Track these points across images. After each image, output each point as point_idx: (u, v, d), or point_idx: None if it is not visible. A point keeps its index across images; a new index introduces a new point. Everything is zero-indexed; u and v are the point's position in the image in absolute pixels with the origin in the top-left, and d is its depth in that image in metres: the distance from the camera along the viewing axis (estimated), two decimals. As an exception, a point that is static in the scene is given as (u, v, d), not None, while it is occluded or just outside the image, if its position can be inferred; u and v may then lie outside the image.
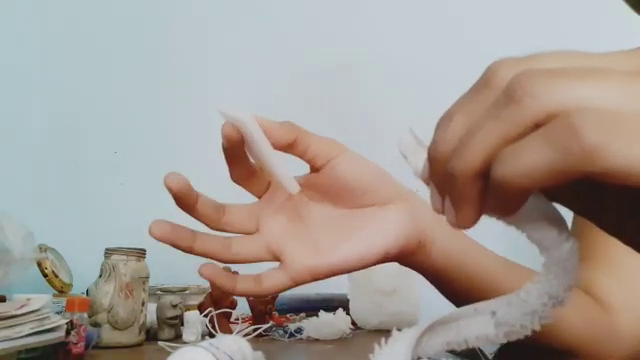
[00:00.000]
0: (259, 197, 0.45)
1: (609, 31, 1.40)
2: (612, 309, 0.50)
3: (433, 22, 1.54)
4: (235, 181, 0.45)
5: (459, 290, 0.46)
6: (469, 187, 0.19)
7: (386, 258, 0.43)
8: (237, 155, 0.42)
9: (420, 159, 0.24)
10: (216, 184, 1.55)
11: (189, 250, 0.44)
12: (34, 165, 1.36)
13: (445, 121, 0.21)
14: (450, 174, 0.19)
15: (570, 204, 0.23)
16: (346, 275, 1.11)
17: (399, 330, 0.26)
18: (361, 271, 1.14)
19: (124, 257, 0.84)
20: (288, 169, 0.41)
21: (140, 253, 0.86)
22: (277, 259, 0.43)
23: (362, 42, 1.49)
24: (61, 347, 0.67)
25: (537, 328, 0.23)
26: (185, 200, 0.46)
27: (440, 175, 0.21)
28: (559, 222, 0.22)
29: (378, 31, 1.51)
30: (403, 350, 0.24)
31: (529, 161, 0.17)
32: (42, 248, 1.06)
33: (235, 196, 1.48)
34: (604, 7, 1.47)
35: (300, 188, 0.41)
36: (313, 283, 1.36)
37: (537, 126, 0.17)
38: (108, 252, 0.85)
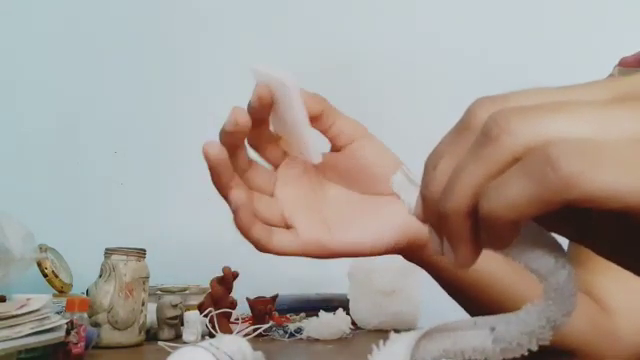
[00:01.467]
0: (275, 167, 0.44)
1: (601, 34, 1.40)
2: (612, 311, 0.50)
3: (433, 22, 1.54)
4: (253, 146, 0.44)
5: (462, 289, 0.46)
6: (461, 226, 0.20)
7: (394, 249, 0.43)
8: (261, 119, 0.41)
9: (413, 197, 0.24)
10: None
11: (226, 183, 0.43)
12: (34, 165, 1.36)
13: (432, 163, 0.22)
14: (443, 215, 0.20)
15: (564, 232, 0.23)
16: (346, 275, 1.12)
17: (397, 332, 0.26)
18: (361, 271, 1.15)
19: (124, 257, 0.84)
20: (315, 139, 0.40)
21: (140, 253, 0.86)
22: (288, 227, 0.43)
23: (362, 42, 1.49)
24: (61, 347, 0.67)
25: (534, 348, 0.23)
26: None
27: (434, 216, 0.21)
28: (555, 250, 0.22)
29: (378, 31, 1.51)
30: (402, 352, 0.24)
31: (511, 194, 0.18)
32: (42, 248, 1.06)
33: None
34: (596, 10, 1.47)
35: (321, 159, 0.40)
36: (313, 283, 1.36)
37: (516, 160, 0.18)
38: (108, 252, 0.85)
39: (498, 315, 0.25)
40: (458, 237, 0.20)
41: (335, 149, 0.43)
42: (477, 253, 0.21)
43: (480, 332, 0.25)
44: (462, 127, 0.21)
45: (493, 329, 0.24)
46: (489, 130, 0.19)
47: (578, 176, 0.16)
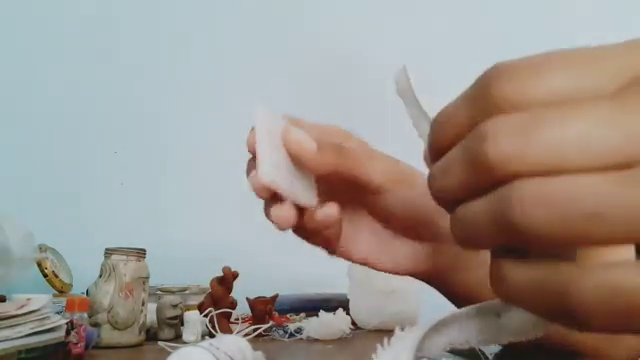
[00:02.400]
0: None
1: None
2: None
3: (433, 23, 1.54)
4: None
5: None
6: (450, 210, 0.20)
7: (412, 276, 0.44)
8: None
9: (423, 127, 0.25)
10: (216, 183, 1.56)
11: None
12: (34, 165, 1.36)
13: (443, 118, 0.21)
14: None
15: None
16: (346, 275, 1.12)
17: (401, 329, 0.26)
18: (361, 271, 1.15)
19: (124, 257, 0.84)
20: (304, 180, 0.34)
21: (140, 253, 0.86)
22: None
23: (362, 42, 1.49)
24: (61, 347, 0.67)
25: (540, 334, 0.23)
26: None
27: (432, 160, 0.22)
28: None
29: (379, 32, 1.51)
30: (406, 349, 0.24)
31: (473, 230, 0.19)
32: (42, 248, 1.06)
33: (236, 195, 1.49)
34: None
35: (315, 202, 0.34)
36: (313, 283, 1.36)
37: (497, 183, 0.18)
38: (108, 252, 0.85)
39: (502, 302, 0.25)
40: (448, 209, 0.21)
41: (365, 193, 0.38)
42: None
43: (485, 319, 0.25)
44: (476, 96, 0.19)
45: (498, 315, 0.24)
46: (480, 151, 0.18)
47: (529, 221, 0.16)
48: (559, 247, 0.16)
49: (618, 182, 0.15)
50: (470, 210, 0.18)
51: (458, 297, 0.43)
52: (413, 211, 0.38)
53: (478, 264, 0.41)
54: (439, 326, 0.26)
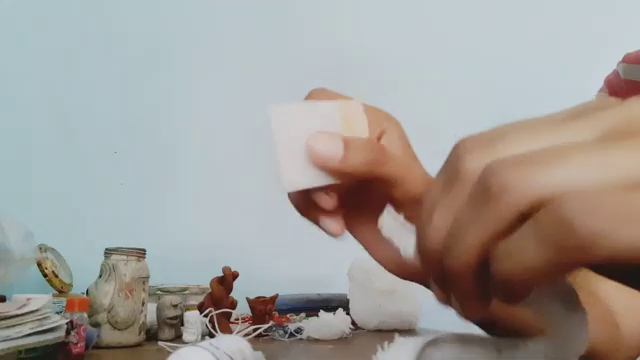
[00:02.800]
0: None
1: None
2: (614, 313, 0.50)
3: (433, 24, 1.54)
4: None
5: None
6: (468, 283, 0.19)
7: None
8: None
9: (407, 242, 0.24)
10: (216, 184, 1.55)
11: None
12: (34, 165, 1.36)
13: (426, 215, 0.21)
14: (447, 271, 0.20)
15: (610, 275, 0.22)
16: (346, 275, 1.12)
17: (400, 335, 0.26)
18: (361, 271, 1.15)
19: (124, 257, 0.84)
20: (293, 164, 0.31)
21: (140, 253, 0.86)
22: None
23: (363, 43, 1.49)
24: (61, 347, 0.67)
25: None
26: None
27: (436, 272, 0.21)
28: (566, 294, 0.22)
29: (379, 32, 1.51)
30: (407, 357, 0.24)
31: (527, 258, 0.17)
32: (42, 248, 1.06)
33: (236, 195, 1.48)
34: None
35: (293, 189, 0.31)
36: (313, 283, 1.35)
37: (523, 216, 0.17)
38: (108, 252, 0.85)
39: (507, 338, 0.25)
40: (466, 294, 0.20)
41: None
42: (486, 306, 0.20)
43: (486, 350, 0.25)
44: (452, 176, 0.20)
45: (500, 351, 0.24)
46: (488, 187, 0.18)
47: (599, 237, 0.15)
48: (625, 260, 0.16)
49: None
50: (518, 242, 0.17)
51: None
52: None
53: None
54: (439, 341, 0.26)
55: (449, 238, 0.19)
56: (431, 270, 0.21)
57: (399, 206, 0.32)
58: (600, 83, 0.70)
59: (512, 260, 0.17)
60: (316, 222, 0.33)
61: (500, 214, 0.18)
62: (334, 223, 0.33)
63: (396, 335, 0.26)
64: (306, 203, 0.32)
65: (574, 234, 0.16)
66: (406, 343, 0.25)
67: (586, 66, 1.07)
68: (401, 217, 0.27)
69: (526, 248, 0.17)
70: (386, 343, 0.25)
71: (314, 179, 0.29)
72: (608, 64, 0.68)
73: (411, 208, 0.32)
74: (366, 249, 0.37)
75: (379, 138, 0.34)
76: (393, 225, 0.27)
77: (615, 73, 0.69)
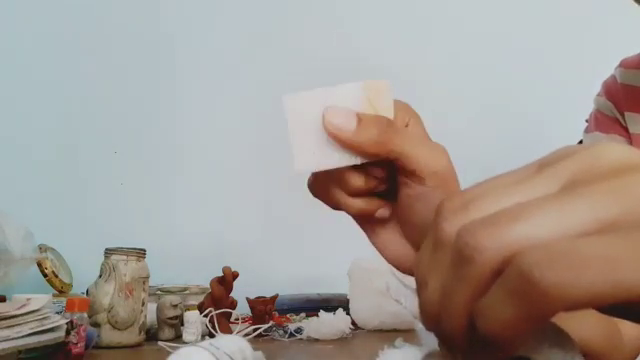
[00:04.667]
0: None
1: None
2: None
3: (433, 25, 1.54)
4: None
5: None
6: (465, 343, 0.20)
7: None
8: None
9: (412, 302, 0.25)
10: (216, 184, 1.55)
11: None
12: (34, 165, 1.36)
13: (422, 281, 0.22)
14: (445, 335, 0.21)
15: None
16: (346, 275, 1.12)
17: (400, 335, 0.26)
18: (361, 271, 1.14)
19: (124, 257, 0.84)
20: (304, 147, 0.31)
21: (140, 253, 0.86)
22: None
23: (363, 43, 1.49)
24: (61, 347, 0.67)
25: None
26: None
27: (437, 333, 0.22)
28: (563, 342, 0.22)
29: (379, 33, 1.51)
30: (413, 355, 0.24)
31: (501, 315, 0.18)
32: (42, 248, 1.06)
33: (236, 195, 1.48)
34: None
35: (303, 169, 0.32)
36: (313, 283, 1.35)
37: (496, 273, 0.18)
38: (108, 252, 0.85)
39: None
40: (464, 351, 0.21)
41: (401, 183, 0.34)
42: (491, 357, 0.21)
43: None
44: (436, 243, 0.21)
45: None
46: (461, 250, 0.19)
47: (560, 287, 0.16)
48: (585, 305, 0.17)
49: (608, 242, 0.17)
50: (490, 300, 0.18)
51: None
52: None
53: None
54: (439, 357, 0.26)
55: (441, 304, 0.21)
56: (434, 330, 0.22)
57: (418, 181, 0.33)
58: (598, 87, 0.70)
59: (487, 317, 0.18)
60: (338, 205, 0.34)
61: (476, 274, 0.19)
62: (360, 202, 0.33)
63: (398, 340, 0.26)
64: (328, 185, 0.33)
65: (536, 287, 0.16)
66: (410, 347, 0.25)
67: (585, 70, 1.07)
68: (407, 279, 0.27)
69: (497, 305, 0.18)
70: (385, 347, 0.25)
71: (326, 160, 0.30)
72: (607, 67, 0.69)
73: (431, 181, 0.33)
74: (379, 249, 0.37)
75: (406, 126, 0.34)
76: (398, 287, 0.27)
77: (613, 77, 0.69)
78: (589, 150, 0.20)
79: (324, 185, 0.34)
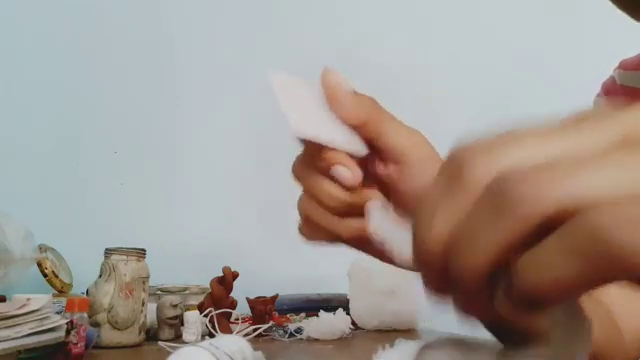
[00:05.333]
0: None
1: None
2: (614, 316, 0.50)
3: (433, 25, 1.54)
4: None
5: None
6: (476, 287, 0.19)
7: None
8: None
9: (403, 245, 0.24)
10: (216, 183, 1.55)
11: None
12: (34, 165, 1.36)
13: (426, 222, 0.20)
14: (455, 276, 0.19)
15: None
16: (346, 275, 1.12)
17: (400, 335, 0.26)
18: (361, 271, 1.15)
19: (124, 257, 0.84)
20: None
21: (140, 253, 0.86)
22: None
23: (363, 43, 1.49)
24: (61, 347, 0.67)
25: None
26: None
27: (435, 274, 0.20)
28: (571, 304, 0.22)
29: (379, 33, 1.51)
30: (408, 354, 0.24)
31: (558, 272, 0.17)
32: (42, 248, 1.06)
33: (236, 195, 1.48)
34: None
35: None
36: (313, 283, 1.35)
37: (542, 227, 0.17)
38: (108, 252, 0.85)
39: (506, 343, 0.24)
40: (472, 296, 0.20)
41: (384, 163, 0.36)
42: (489, 309, 0.20)
43: (488, 354, 0.24)
44: (454, 181, 0.19)
45: (504, 354, 0.24)
46: (504, 195, 0.17)
47: (632, 249, 0.15)
48: None
49: None
50: (547, 254, 0.17)
51: None
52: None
53: None
54: (442, 342, 0.26)
55: (458, 243, 0.19)
56: (429, 273, 0.21)
57: (397, 159, 0.35)
58: (598, 88, 0.70)
59: (541, 272, 0.17)
60: (335, 232, 0.34)
61: (519, 223, 0.17)
62: (347, 171, 0.33)
63: (398, 339, 0.26)
64: (319, 218, 0.34)
65: (610, 247, 0.15)
66: (405, 346, 0.25)
67: (585, 70, 1.07)
68: (394, 216, 0.27)
69: (556, 260, 0.17)
70: (387, 345, 0.25)
71: (320, 128, 0.30)
72: (607, 68, 0.69)
73: (415, 163, 0.34)
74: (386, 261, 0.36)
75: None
76: (386, 226, 0.26)
77: (612, 79, 0.69)
78: (635, 112, 0.18)
79: (315, 220, 0.35)
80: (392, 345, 0.26)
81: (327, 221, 0.34)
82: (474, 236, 0.19)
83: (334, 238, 0.35)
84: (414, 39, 1.51)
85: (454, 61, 1.51)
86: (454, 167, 0.20)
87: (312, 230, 0.35)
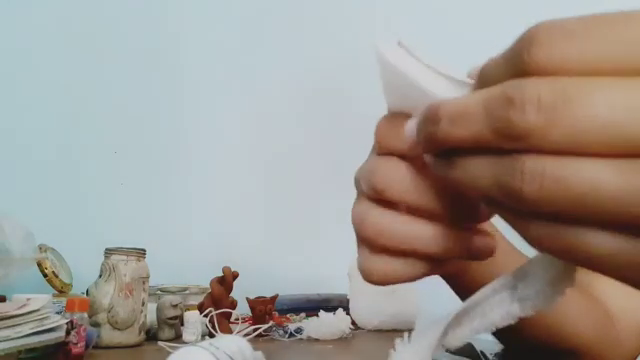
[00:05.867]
0: None
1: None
2: (611, 313, 0.50)
3: (434, 24, 1.54)
4: None
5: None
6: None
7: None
8: None
9: (423, 75, 0.22)
10: (216, 183, 1.55)
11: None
12: (34, 165, 1.36)
13: (484, 76, 0.20)
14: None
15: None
16: (346, 275, 1.12)
17: (400, 335, 0.26)
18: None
19: (124, 257, 0.84)
20: None
21: (140, 253, 0.86)
22: None
23: (363, 43, 1.49)
24: (61, 347, 0.67)
25: (563, 295, 0.22)
26: None
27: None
28: (564, 267, 0.22)
29: (379, 33, 1.51)
30: (426, 347, 0.24)
31: None
32: (42, 248, 1.06)
33: (237, 196, 1.48)
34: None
35: None
36: (313, 283, 1.35)
37: None
38: (108, 252, 0.85)
39: (514, 271, 0.24)
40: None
41: None
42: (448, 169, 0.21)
43: (502, 296, 0.24)
44: (513, 60, 0.18)
45: (514, 288, 0.24)
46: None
47: None
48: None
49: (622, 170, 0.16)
50: (475, 166, 0.19)
51: (470, 292, 0.41)
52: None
53: (504, 251, 0.40)
54: (460, 317, 0.25)
55: (448, 111, 0.19)
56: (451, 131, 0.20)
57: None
58: None
59: (464, 178, 0.20)
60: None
61: (492, 137, 0.18)
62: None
63: (397, 339, 0.25)
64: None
65: (521, 191, 0.17)
66: (425, 332, 0.25)
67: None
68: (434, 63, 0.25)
69: (480, 177, 0.19)
70: (406, 335, 0.25)
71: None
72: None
73: None
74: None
75: None
76: (399, 52, 0.25)
77: None
78: None
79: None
80: (397, 343, 0.26)
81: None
82: (459, 117, 0.19)
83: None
84: (414, 39, 1.51)
85: (455, 61, 1.51)
86: (515, 44, 0.19)
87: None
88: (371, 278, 0.28)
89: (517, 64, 0.18)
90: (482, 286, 0.34)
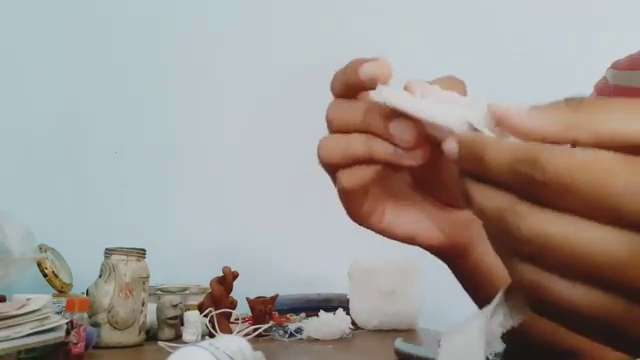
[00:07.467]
0: None
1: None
2: None
3: (433, 25, 1.54)
4: None
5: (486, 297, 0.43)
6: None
7: (432, 250, 0.39)
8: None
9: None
10: (216, 183, 1.55)
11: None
12: (34, 165, 1.36)
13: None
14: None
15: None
16: (346, 275, 1.12)
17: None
18: (361, 271, 1.15)
19: (124, 257, 0.84)
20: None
21: (140, 253, 0.86)
22: None
23: (363, 44, 1.49)
24: (61, 347, 0.67)
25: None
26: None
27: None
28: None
29: (380, 33, 1.51)
30: (477, 338, 0.24)
31: None
32: (42, 248, 1.06)
33: (236, 195, 1.48)
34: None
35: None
36: (313, 283, 1.35)
37: None
38: (108, 252, 0.85)
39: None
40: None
41: None
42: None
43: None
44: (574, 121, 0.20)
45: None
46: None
47: None
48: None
49: None
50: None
51: (473, 275, 0.41)
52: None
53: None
54: (499, 305, 0.26)
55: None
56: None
57: None
58: (589, 89, 0.70)
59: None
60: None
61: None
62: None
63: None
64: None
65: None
66: (472, 321, 0.25)
67: (585, 71, 1.07)
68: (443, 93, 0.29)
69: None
70: (450, 326, 0.25)
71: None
72: (598, 70, 0.69)
73: None
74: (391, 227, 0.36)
75: None
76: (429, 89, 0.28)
77: (604, 79, 0.69)
78: None
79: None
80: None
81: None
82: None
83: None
84: (414, 39, 1.51)
85: (454, 61, 1.51)
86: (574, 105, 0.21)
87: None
88: (319, 151, 0.35)
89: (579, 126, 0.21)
90: (486, 268, 0.39)
